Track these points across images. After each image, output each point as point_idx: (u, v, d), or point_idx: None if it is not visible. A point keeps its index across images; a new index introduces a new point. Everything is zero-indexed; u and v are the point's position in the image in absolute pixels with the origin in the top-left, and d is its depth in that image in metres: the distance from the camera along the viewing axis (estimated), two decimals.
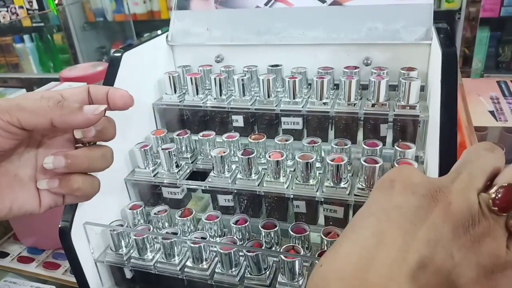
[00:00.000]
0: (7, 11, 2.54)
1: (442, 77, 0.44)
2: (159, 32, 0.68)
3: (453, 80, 0.44)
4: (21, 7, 2.53)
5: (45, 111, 0.33)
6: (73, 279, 0.57)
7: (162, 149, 0.57)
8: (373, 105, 0.54)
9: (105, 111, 0.35)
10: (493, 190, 0.25)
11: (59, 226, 0.51)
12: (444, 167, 0.41)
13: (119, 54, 0.57)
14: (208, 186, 0.56)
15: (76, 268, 0.53)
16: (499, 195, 0.24)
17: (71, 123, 0.34)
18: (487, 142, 0.28)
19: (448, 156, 0.41)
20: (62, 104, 0.34)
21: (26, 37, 2.46)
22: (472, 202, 0.24)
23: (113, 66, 0.57)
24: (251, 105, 0.60)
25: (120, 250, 0.55)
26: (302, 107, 0.57)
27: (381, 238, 0.24)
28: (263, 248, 0.50)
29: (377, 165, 0.48)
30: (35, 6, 2.50)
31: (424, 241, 0.23)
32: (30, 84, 1.50)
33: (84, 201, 0.40)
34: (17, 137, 0.34)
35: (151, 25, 2.38)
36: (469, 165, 0.26)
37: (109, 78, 0.56)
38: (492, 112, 0.57)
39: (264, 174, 0.55)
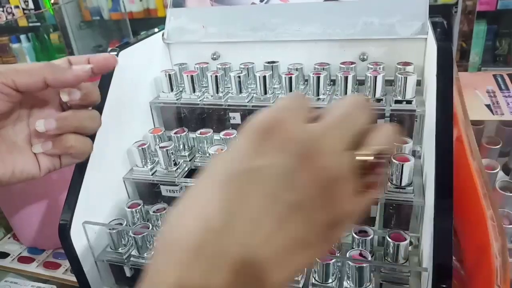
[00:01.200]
0: (2, 11, 2.53)
1: (437, 72, 0.44)
2: (156, 30, 0.68)
3: (449, 74, 0.44)
4: (17, 6, 2.52)
5: (38, 71, 0.37)
6: (73, 278, 0.57)
7: (159, 148, 0.57)
8: (369, 100, 0.54)
9: (91, 70, 0.39)
10: (360, 152, 0.25)
11: (58, 225, 0.51)
12: (440, 161, 0.41)
13: (115, 53, 0.57)
14: None
15: (76, 267, 0.53)
16: (364, 158, 0.24)
17: (63, 80, 0.38)
18: (360, 98, 0.27)
19: (444, 150, 0.41)
20: (53, 64, 0.38)
21: (22, 37, 2.46)
22: (340, 163, 0.24)
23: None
24: (248, 102, 0.60)
25: (119, 248, 0.55)
26: None
27: (239, 201, 0.22)
28: None
29: None
30: (31, 5, 2.50)
31: (288, 204, 0.22)
32: None
33: (80, 160, 0.43)
34: (12, 100, 0.37)
35: (147, 23, 2.38)
36: (341, 122, 0.25)
37: (105, 76, 0.56)
38: (488, 106, 0.57)
39: None
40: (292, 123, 0.25)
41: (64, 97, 0.40)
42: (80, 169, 0.52)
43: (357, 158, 0.25)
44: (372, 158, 0.25)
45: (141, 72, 0.64)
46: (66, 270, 0.67)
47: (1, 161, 0.38)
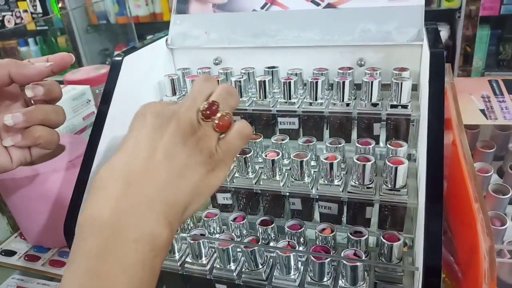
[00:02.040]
0: (11, 15, 2.57)
1: (429, 77, 0.46)
2: (162, 34, 0.70)
3: (440, 80, 0.46)
4: (25, 11, 2.56)
5: (2, 66, 0.41)
6: None
7: None
8: (366, 105, 0.56)
9: (51, 67, 0.43)
10: (202, 104, 0.35)
11: (64, 224, 0.53)
12: (432, 164, 0.43)
13: (120, 58, 0.59)
14: None
15: None
16: (205, 107, 0.35)
17: (26, 74, 0.42)
18: (204, 75, 0.41)
19: (435, 153, 0.43)
20: (16, 60, 0.42)
21: (30, 40, 2.50)
22: (193, 116, 0.34)
23: (114, 70, 0.59)
24: (248, 106, 0.61)
25: None
26: (298, 107, 0.59)
27: (137, 144, 0.33)
28: (259, 243, 0.52)
29: (369, 163, 0.49)
30: (39, 9, 2.53)
31: (164, 144, 0.33)
32: None
33: (48, 150, 0.46)
34: None
35: (153, 27, 2.41)
36: (192, 93, 0.36)
37: (111, 81, 0.58)
38: (483, 111, 0.58)
39: (261, 172, 0.56)
40: (159, 104, 0.36)
41: (29, 93, 0.43)
42: (86, 169, 0.54)
43: (200, 107, 0.35)
44: (208, 102, 0.35)
45: (145, 77, 0.66)
46: None
47: None
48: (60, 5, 2.46)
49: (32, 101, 0.46)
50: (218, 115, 0.35)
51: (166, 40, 0.70)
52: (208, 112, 0.35)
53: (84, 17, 2.57)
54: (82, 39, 2.50)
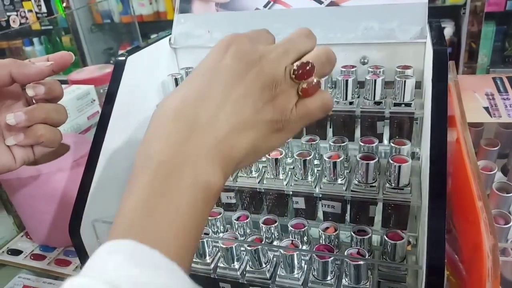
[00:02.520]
0: (16, 15, 2.59)
1: (433, 75, 0.46)
2: (166, 33, 0.71)
3: (444, 78, 0.45)
4: (30, 10, 2.58)
5: (3, 66, 0.41)
6: None
7: None
8: (369, 103, 0.56)
9: (52, 66, 0.43)
10: (296, 63, 0.32)
11: (69, 224, 0.53)
12: (435, 162, 0.43)
13: (123, 58, 0.60)
14: None
15: None
16: (298, 66, 0.32)
17: (27, 73, 0.42)
18: (307, 28, 0.36)
19: (439, 151, 0.43)
20: (16, 60, 0.42)
21: (35, 40, 2.51)
22: (279, 71, 0.32)
23: (118, 69, 0.59)
24: None
25: None
26: None
27: (209, 88, 0.31)
28: (263, 242, 0.52)
29: (372, 162, 0.49)
30: (44, 9, 2.55)
31: (239, 94, 0.31)
32: None
33: (50, 149, 0.46)
34: None
35: (157, 26, 2.41)
36: (288, 43, 0.34)
37: (114, 81, 0.58)
38: (486, 108, 0.58)
39: (264, 171, 0.56)
40: (247, 42, 0.33)
41: (30, 92, 0.43)
42: (90, 169, 0.54)
43: (292, 66, 0.32)
44: (303, 62, 0.32)
45: (149, 76, 0.66)
46: (77, 267, 0.69)
47: None
48: (64, 4, 2.47)
49: (33, 101, 0.46)
50: (309, 80, 0.32)
51: (170, 40, 0.70)
52: (300, 72, 0.32)
53: (88, 16, 2.58)
54: (87, 38, 2.51)
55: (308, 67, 0.32)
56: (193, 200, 0.28)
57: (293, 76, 0.32)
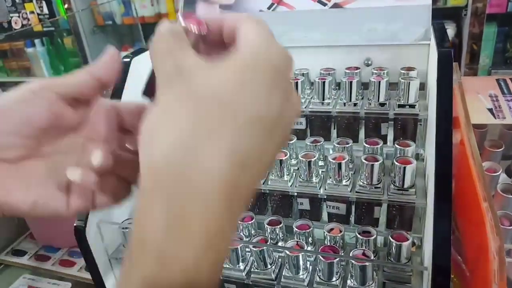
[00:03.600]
0: (18, 16, 2.59)
1: (437, 77, 0.46)
2: None
3: (449, 79, 0.46)
4: (32, 12, 2.58)
5: (86, 70, 0.31)
6: (88, 275, 0.59)
7: None
8: (373, 105, 0.56)
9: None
10: None
11: (75, 225, 0.54)
12: (440, 163, 0.43)
13: (128, 59, 0.60)
14: None
15: (92, 265, 0.56)
16: None
17: (115, 67, 0.32)
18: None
19: (444, 153, 0.43)
20: (91, 65, 0.32)
21: (37, 41, 2.51)
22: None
23: (123, 70, 0.59)
24: None
25: None
26: (305, 107, 0.59)
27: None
28: (268, 243, 0.52)
29: (377, 163, 0.49)
30: (46, 11, 2.55)
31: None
32: None
33: (116, 204, 0.36)
34: (58, 109, 0.30)
35: None
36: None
37: (119, 82, 0.59)
38: (490, 110, 0.58)
39: (269, 172, 0.57)
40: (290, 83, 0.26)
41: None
42: None
43: None
44: None
45: None
46: (81, 267, 0.70)
47: (25, 187, 0.31)
48: (66, 6, 2.47)
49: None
50: None
51: None
52: None
53: (90, 18, 2.58)
54: (89, 40, 2.51)
55: None
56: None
57: None
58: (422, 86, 0.58)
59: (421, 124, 0.58)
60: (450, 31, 2.02)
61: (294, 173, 0.56)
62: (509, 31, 2.05)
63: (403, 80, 0.54)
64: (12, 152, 0.30)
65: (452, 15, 2.04)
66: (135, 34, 2.37)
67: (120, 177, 0.34)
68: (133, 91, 0.59)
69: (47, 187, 0.32)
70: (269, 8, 0.66)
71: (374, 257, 0.49)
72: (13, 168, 0.30)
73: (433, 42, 0.55)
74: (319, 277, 0.49)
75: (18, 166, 0.31)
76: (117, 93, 0.57)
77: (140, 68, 0.61)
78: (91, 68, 0.31)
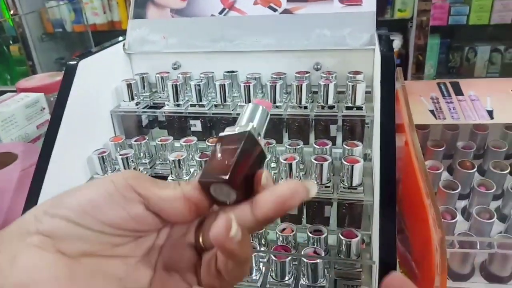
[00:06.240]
0: None
1: (381, 79, 0.48)
2: (120, 38, 0.70)
3: (391, 80, 0.48)
4: None
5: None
6: None
7: (120, 155, 0.57)
8: (322, 107, 0.57)
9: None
10: None
11: None
12: (385, 162, 0.44)
13: (74, 62, 0.58)
14: None
15: None
16: None
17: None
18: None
19: (387, 151, 0.45)
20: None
21: None
22: None
23: (69, 74, 0.57)
24: (208, 109, 0.62)
25: None
26: None
27: None
28: None
29: (326, 163, 0.51)
30: None
31: None
32: None
33: None
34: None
35: (111, 35, 2.35)
36: None
37: (65, 86, 0.57)
38: (432, 111, 0.61)
39: None
40: None
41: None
42: (39, 177, 0.52)
43: None
44: None
45: (102, 82, 0.64)
46: None
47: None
48: (12, 12, 2.37)
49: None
50: None
51: (124, 45, 0.69)
52: None
53: (38, 25, 2.49)
54: (37, 48, 2.41)
55: None
56: None
57: None
58: (370, 90, 0.61)
59: (368, 126, 0.61)
60: (397, 42, 2.12)
61: None
62: (451, 42, 2.18)
63: (350, 84, 0.56)
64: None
65: (399, 27, 2.14)
66: (87, 42, 2.30)
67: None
68: (79, 92, 0.58)
69: None
70: (220, 13, 0.66)
71: (325, 255, 0.50)
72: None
73: (377, 47, 0.58)
74: (272, 277, 0.49)
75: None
76: (63, 94, 0.55)
77: (88, 71, 0.60)
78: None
